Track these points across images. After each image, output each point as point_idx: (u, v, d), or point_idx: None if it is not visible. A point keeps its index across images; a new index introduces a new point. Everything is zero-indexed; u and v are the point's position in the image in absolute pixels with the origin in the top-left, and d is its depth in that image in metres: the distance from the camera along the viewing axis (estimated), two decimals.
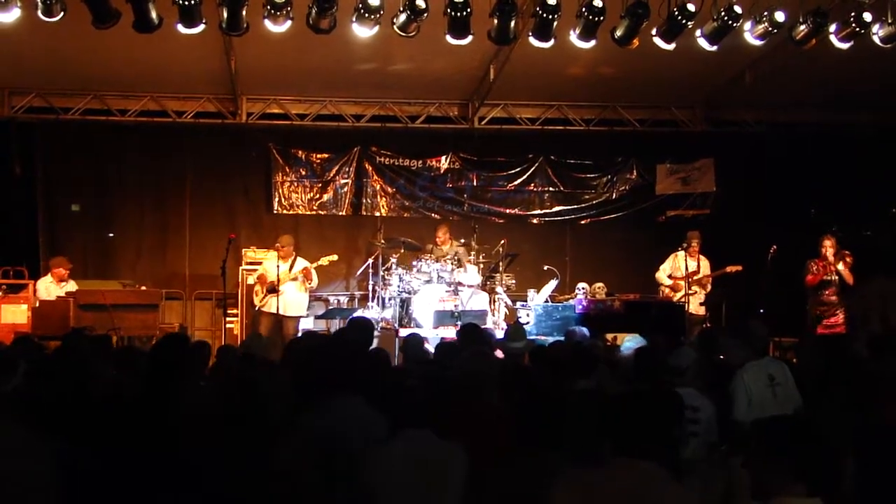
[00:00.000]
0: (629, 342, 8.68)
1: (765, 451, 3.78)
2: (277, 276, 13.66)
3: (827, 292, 13.34)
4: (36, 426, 4.45)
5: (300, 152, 16.72)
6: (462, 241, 15.09)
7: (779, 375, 7.19)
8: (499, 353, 9.22)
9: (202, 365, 7.48)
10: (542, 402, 4.79)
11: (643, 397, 4.32)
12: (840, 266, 13.22)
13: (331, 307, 15.65)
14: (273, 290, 13.78)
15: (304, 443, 4.93)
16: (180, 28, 10.73)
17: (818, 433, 3.75)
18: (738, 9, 10.81)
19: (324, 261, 14.27)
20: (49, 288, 13.61)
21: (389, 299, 14.64)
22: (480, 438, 5.06)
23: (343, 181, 16.83)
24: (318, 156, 16.77)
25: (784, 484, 3.66)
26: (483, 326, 11.09)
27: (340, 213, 16.92)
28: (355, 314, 13.79)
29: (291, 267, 13.90)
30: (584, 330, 10.08)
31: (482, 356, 7.00)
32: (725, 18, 10.85)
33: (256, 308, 14.05)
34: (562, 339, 10.73)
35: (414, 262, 14.78)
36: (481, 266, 14.75)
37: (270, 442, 4.72)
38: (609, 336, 12.04)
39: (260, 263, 14.51)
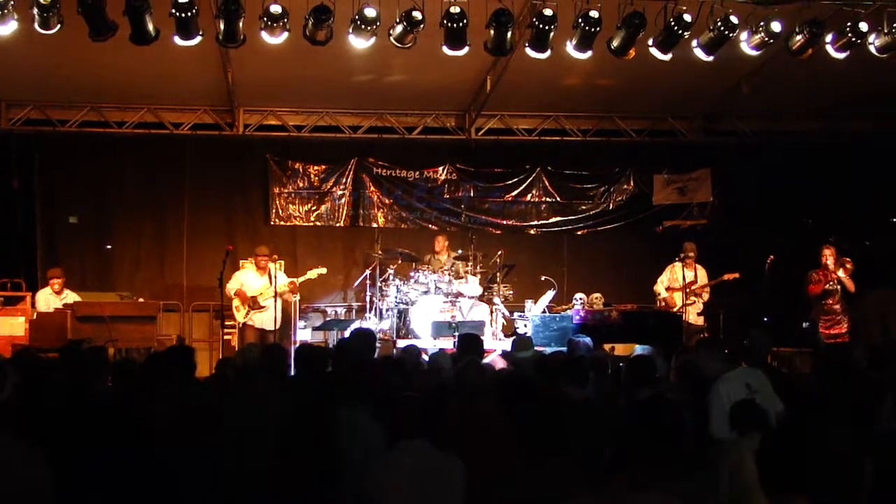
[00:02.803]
0: (638, 351, 8.69)
1: (766, 465, 3.77)
2: (275, 290, 13.62)
3: (830, 301, 13.35)
4: (30, 438, 4.43)
5: (297, 164, 16.72)
6: (459, 251, 15.08)
7: (755, 383, 7.17)
8: (502, 363, 9.26)
9: (188, 369, 7.44)
10: (540, 410, 4.79)
11: (650, 408, 4.31)
12: (840, 273, 13.24)
13: (328, 318, 15.65)
14: (256, 305, 13.70)
15: (307, 452, 4.92)
16: (177, 40, 10.76)
17: (818, 445, 3.74)
18: (734, 19, 10.84)
19: (311, 273, 14.20)
20: (49, 300, 13.62)
21: (387, 310, 14.64)
22: (479, 448, 5.06)
23: (340, 192, 16.83)
24: (316, 167, 16.77)
25: (785, 494, 3.65)
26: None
27: (338, 225, 16.91)
28: (353, 325, 13.79)
29: (271, 280, 13.80)
30: (588, 340, 10.05)
31: (475, 366, 7.01)
32: (722, 29, 10.88)
33: (241, 323, 13.94)
34: (562, 349, 10.72)
35: (411, 273, 14.79)
36: (479, 277, 14.75)
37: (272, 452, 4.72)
38: (606, 346, 12.04)
39: None
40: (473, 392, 6.34)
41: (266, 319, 13.73)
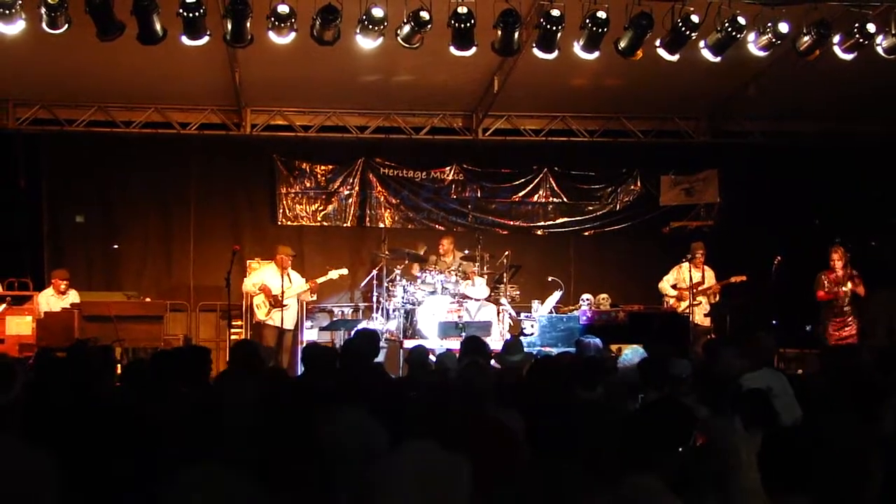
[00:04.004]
0: (628, 353, 8.67)
1: (768, 464, 3.76)
2: (282, 289, 13.67)
3: (839, 304, 13.30)
4: (37, 438, 4.43)
5: (304, 164, 16.71)
6: (465, 252, 15.06)
7: (777, 387, 7.16)
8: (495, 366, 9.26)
9: (201, 371, 7.46)
10: (547, 413, 4.78)
11: (658, 410, 4.30)
12: (849, 285, 13.19)
13: (335, 318, 15.65)
14: (278, 303, 13.75)
15: (306, 450, 4.91)
16: (184, 40, 10.78)
17: (823, 445, 3.73)
18: (741, 20, 10.85)
19: (333, 274, 14.30)
20: (50, 301, 13.63)
21: (394, 311, 14.63)
22: (485, 450, 5.04)
23: (347, 192, 16.83)
24: (323, 167, 16.77)
25: (787, 494, 3.64)
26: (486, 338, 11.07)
27: (344, 225, 16.90)
28: (360, 325, 13.79)
29: (290, 279, 13.90)
30: (597, 341, 10.02)
31: (477, 367, 7.00)
32: (729, 29, 10.88)
33: (261, 321, 13.98)
34: (569, 349, 10.71)
35: (418, 274, 14.78)
36: (485, 277, 14.74)
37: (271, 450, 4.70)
38: (614, 347, 12.03)
39: None
40: (475, 393, 6.33)
41: (287, 318, 13.87)
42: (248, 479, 3.74)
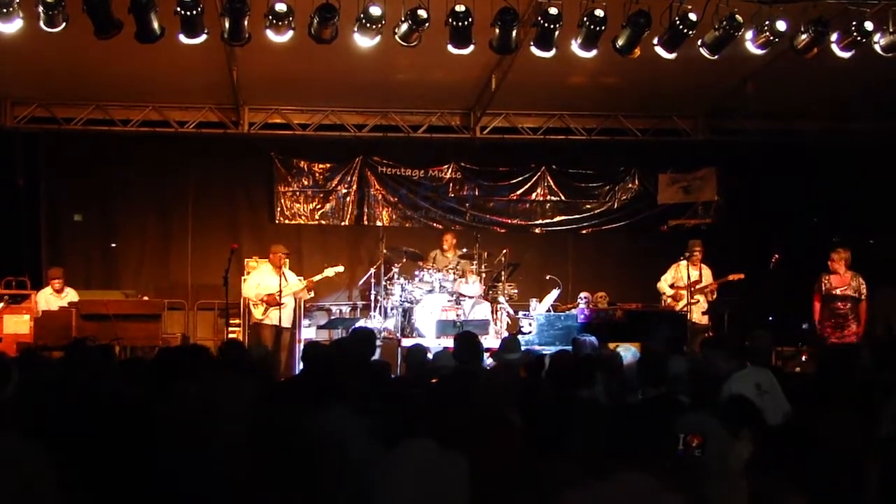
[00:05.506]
0: (621, 352, 8.67)
1: (762, 463, 3.76)
2: (280, 289, 13.66)
3: (838, 304, 13.16)
4: (36, 436, 4.43)
5: (302, 162, 16.73)
6: (464, 250, 15.06)
7: (765, 383, 7.15)
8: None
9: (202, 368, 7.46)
10: (545, 411, 4.78)
11: (654, 407, 4.31)
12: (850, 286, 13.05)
13: (333, 317, 15.65)
14: (276, 303, 13.74)
15: (298, 449, 4.91)
16: (182, 38, 10.77)
17: (818, 443, 3.73)
18: (739, 18, 10.84)
19: (329, 272, 14.28)
20: (49, 299, 13.64)
21: (391, 309, 14.61)
22: (484, 448, 5.04)
23: (345, 191, 16.84)
24: (320, 165, 16.78)
25: (784, 496, 3.64)
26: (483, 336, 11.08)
27: (342, 223, 16.92)
28: (357, 324, 13.79)
29: (285, 277, 13.89)
30: (593, 339, 10.03)
31: (504, 370, 6.99)
32: (727, 27, 10.87)
33: (259, 321, 13.96)
34: (566, 348, 10.71)
35: (416, 272, 14.76)
36: (483, 276, 14.73)
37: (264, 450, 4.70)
38: (612, 346, 12.02)
39: None
40: (502, 396, 6.31)
41: (284, 316, 13.83)
42: None
